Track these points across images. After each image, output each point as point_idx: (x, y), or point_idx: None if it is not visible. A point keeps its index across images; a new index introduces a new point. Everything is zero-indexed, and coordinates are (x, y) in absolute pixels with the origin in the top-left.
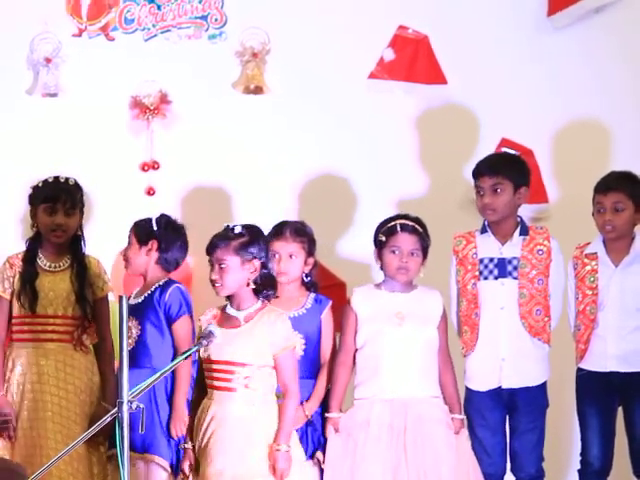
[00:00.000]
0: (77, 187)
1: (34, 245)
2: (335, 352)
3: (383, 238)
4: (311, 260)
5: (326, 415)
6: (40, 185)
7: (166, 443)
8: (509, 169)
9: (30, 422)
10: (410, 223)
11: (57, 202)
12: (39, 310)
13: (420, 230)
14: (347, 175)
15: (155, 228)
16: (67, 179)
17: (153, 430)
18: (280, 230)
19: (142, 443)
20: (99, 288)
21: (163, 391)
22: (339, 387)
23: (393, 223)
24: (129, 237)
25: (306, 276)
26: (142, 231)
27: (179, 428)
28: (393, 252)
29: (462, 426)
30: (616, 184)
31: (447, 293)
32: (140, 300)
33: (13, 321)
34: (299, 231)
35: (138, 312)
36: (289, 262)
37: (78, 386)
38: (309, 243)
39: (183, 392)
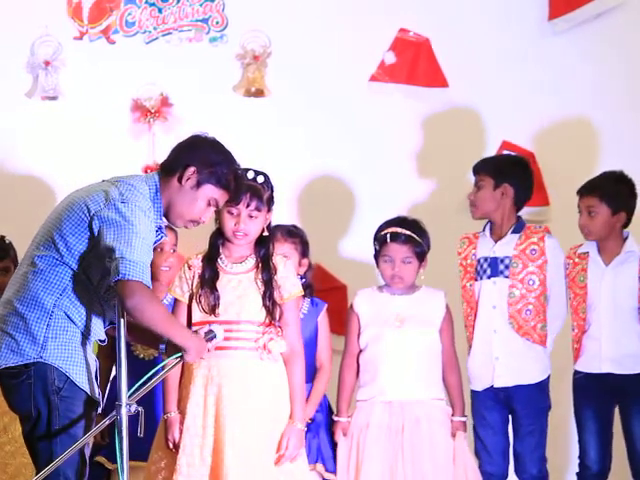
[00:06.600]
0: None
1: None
2: (332, 355)
3: (377, 246)
4: (305, 261)
5: (334, 419)
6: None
7: None
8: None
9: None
10: (401, 231)
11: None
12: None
13: (413, 236)
14: (349, 178)
15: None
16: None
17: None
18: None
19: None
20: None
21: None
22: (346, 390)
23: (384, 232)
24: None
25: (300, 278)
26: None
27: None
28: (386, 261)
29: (461, 428)
30: (590, 188)
31: (451, 295)
32: None
33: (193, 328)
34: (291, 233)
35: None
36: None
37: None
38: (302, 245)
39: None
